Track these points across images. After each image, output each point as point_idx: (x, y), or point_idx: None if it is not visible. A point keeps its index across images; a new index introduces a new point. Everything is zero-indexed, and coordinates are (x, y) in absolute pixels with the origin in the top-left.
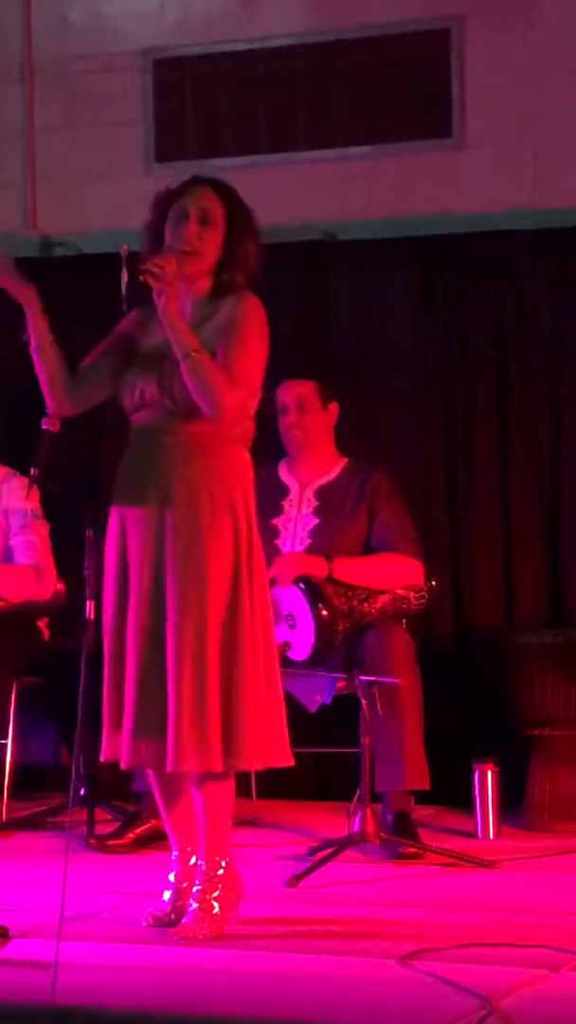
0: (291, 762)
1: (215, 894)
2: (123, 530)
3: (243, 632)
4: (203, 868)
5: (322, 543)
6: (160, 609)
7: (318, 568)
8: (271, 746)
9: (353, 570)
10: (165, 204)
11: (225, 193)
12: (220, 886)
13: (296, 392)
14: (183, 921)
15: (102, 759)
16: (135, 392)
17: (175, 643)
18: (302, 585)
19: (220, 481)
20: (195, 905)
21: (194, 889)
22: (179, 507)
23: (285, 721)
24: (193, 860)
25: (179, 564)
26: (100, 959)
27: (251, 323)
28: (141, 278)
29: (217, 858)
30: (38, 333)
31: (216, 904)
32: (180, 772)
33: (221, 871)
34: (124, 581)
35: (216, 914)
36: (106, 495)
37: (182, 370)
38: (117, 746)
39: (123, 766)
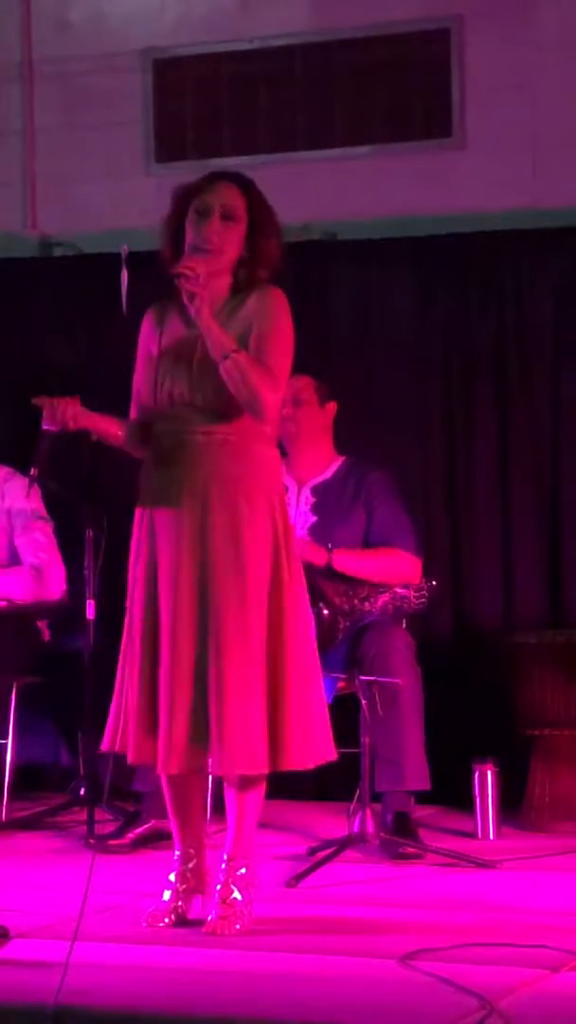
0: (335, 756)
1: (236, 892)
2: (153, 531)
3: (286, 631)
4: (225, 868)
5: (321, 540)
6: (207, 613)
7: (318, 557)
8: (319, 743)
9: (353, 562)
10: (185, 199)
11: (247, 188)
12: (243, 884)
13: (292, 387)
14: (210, 919)
15: (132, 761)
16: (163, 392)
17: (224, 646)
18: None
19: (256, 480)
20: (221, 902)
21: (217, 887)
22: (219, 508)
23: (328, 715)
24: (193, 863)
25: (222, 566)
26: (100, 959)
27: (281, 318)
28: (176, 282)
29: (242, 859)
30: (101, 436)
31: (241, 895)
32: (231, 775)
33: (243, 871)
34: (155, 584)
35: (246, 906)
36: (106, 495)
37: (221, 371)
38: (150, 749)
39: (173, 771)
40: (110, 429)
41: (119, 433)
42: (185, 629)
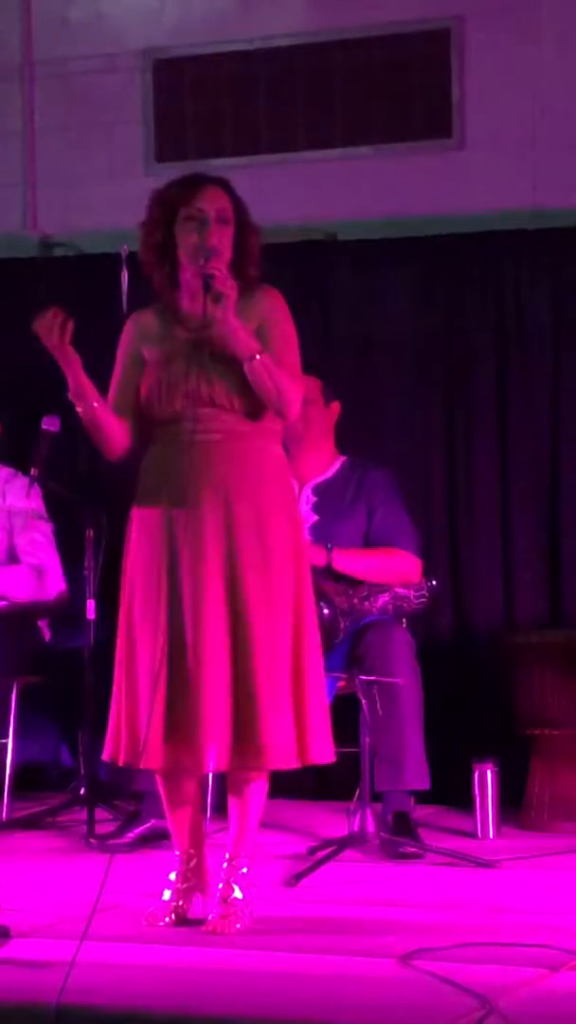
0: (333, 758)
1: (237, 891)
2: (172, 532)
3: (305, 628)
4: (226, 867)
5: (321, 540)
6: (236, 611)
7: (318, 557)
8: (327, 741)
9: (352, 561)
10: (170, 205)
11: (229, 189)
12: (245, 884)
13: None
14: (211, 918)
15: (151, 766)
16: (175, 395)
17: (255, 643)
18: None
19: (274, 477)
20: (222, 902)
21: (218, 886)
22: (242, 506)
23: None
24: (193, 862)
25: (249, 564)
26: (100, 958)
27: (287, 318)
28: (216, 285)
29: (244, 859)
30: (78, 388)
31: (242, 894)
32: (258, 771)
33: (245, 870)
34: (173, 584)
35: (247, 904)
36: (106, 495)
37: (248, 372)
38: (177, 753)
39: (209, 770)
40: (86, 384)
41: (95, 399)
42: (213, 629)
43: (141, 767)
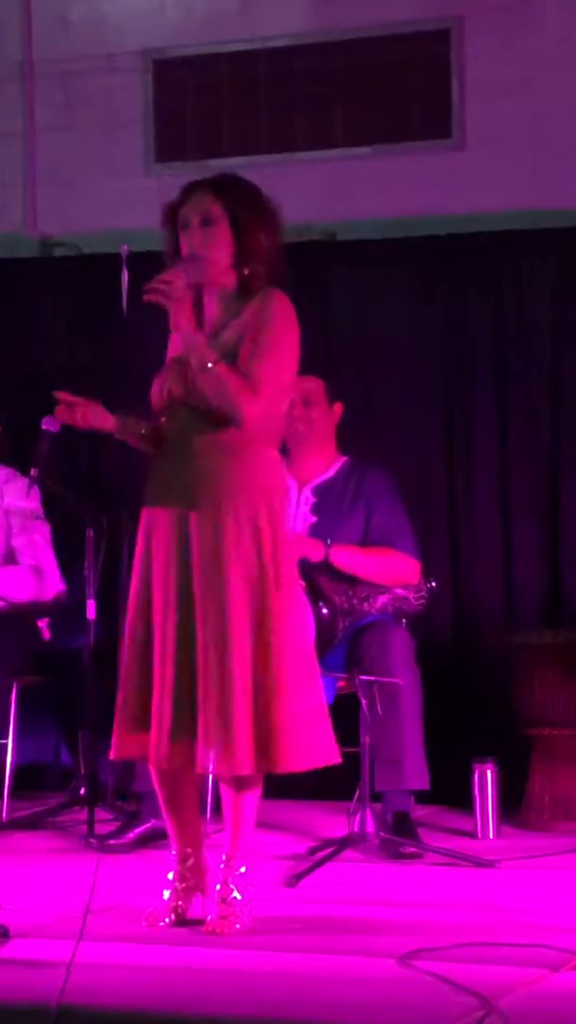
0: (338, 760)
1: (236, 892)
2: (150, 530)
3: (272, 633)
4: (224, 867)
5: (320, 539)
6: (189, 613)
7: (316, 551)
8: (317, 745)
9: (350, 558)
10: (170, 217)
11: (221, 189)
12: (243, 884)
13: (304, 387)
14: (210, 918)
15: (113, 756)
16: (163, 394)
17: (204, 645)
18: (303, 583)
19: (246, 480)
20: (221, 902)
21: (216, 887)
22: (203, 511)
23: (328, 718)
24: (191, 861)
25: (204, 569)
26: (99, 958)
27: (277, 322)
28: (145, 298)
29: (241, 859)
30: (121, 438)
31: (240, 895)
32: (217, 775)
33: (243, 870)
34: (147, 585)
35: (246, 905)
36: (106, 495)
37: (200, 383)
38: (136, 744)
39: (163, 766)
40: (133, 429)
41: (141, 433)
42: (171, 628)
43: (113, 758)
